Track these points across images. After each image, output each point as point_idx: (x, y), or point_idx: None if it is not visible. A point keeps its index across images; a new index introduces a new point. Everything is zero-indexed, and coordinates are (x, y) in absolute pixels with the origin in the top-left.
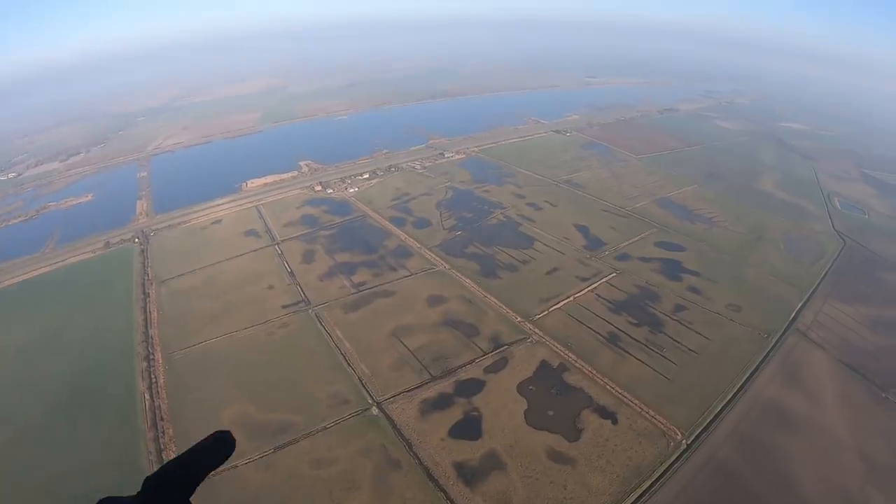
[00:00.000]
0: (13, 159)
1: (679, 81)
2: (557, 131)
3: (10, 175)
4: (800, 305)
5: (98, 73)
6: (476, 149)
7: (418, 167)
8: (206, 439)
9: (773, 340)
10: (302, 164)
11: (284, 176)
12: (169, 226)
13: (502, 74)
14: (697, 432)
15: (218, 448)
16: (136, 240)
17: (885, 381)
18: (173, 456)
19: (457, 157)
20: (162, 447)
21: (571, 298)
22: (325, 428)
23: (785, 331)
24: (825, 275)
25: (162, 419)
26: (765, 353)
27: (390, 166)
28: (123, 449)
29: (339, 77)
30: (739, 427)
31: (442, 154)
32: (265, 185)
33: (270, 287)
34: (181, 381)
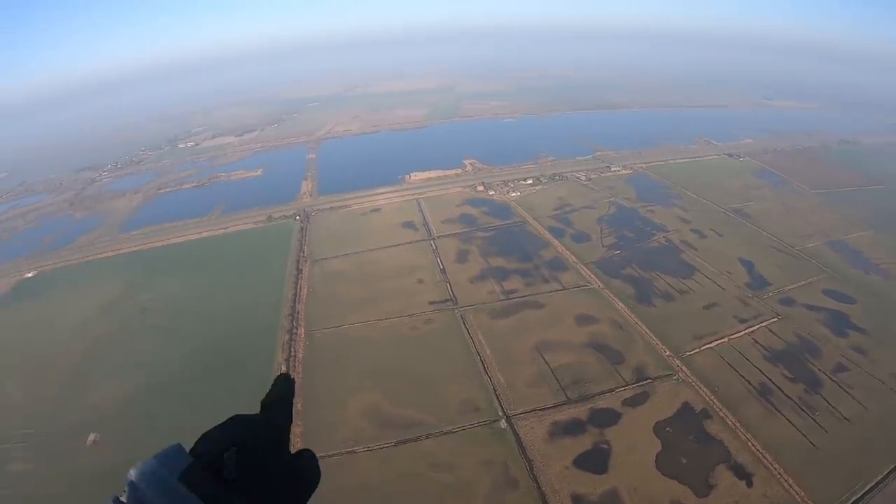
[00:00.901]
0: (192, 131)
1: (857, 109)
2: (730, 155)
3: (189, 144)
4: None
5: (277, 59)
6: (643, 165)
7: (583, 178)
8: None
9: None
10: (466, 162)
11: (448, 172)
12: (330, 208)
13: (669, 89)
14: None
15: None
16: (297, 217)
17: None
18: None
19: (623, 171)
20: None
21: (726, 339)
22: (451, 432)
23: None
24: None
25: (294, 393)
26: None
27: (554, 174)
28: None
29: (506, 81)
30: None
31: (608, 167)
32: (428, 179)
33: (420, 281)
34: (319, 359)
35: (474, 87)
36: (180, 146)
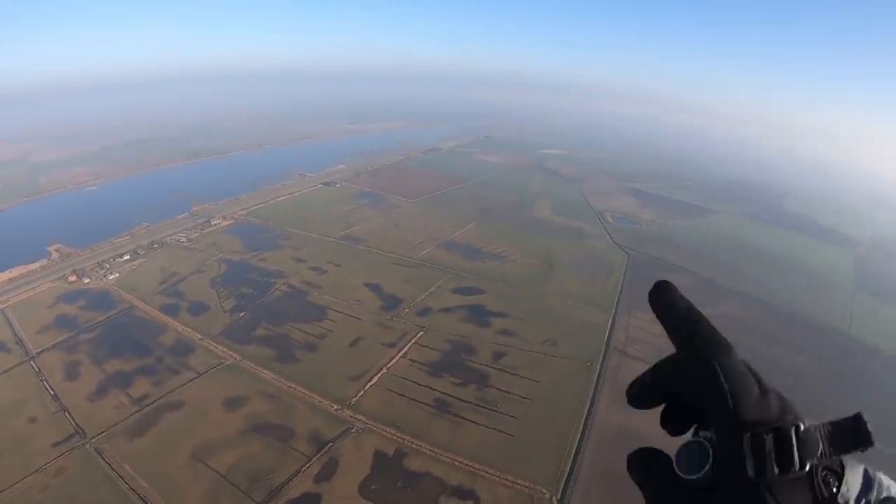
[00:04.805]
0: None
1: (436, 122)
2: (326, 183)
3: None
4: (609, 325)
5: None
6: (244, 212)
7: (184, 240)
8: None
9: (598, 366)
10: (51, 249)
11: (32, 266)
12: None
13: (265, 128)
14: (563, 483)
15: None
16: None
17: None
18: None
19: (224, 223)
20: None
21: (384, 370)
22: None
23: (605, 354)
24: (621, 290)
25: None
26: (595, 382)
27: (153, 242)
28: None
29: (90, 140)
30: (600, 463)
31: (208, 221)
32: (9, 280)
33: (33, 420)
34: None
35: (53, 154)
36: None
